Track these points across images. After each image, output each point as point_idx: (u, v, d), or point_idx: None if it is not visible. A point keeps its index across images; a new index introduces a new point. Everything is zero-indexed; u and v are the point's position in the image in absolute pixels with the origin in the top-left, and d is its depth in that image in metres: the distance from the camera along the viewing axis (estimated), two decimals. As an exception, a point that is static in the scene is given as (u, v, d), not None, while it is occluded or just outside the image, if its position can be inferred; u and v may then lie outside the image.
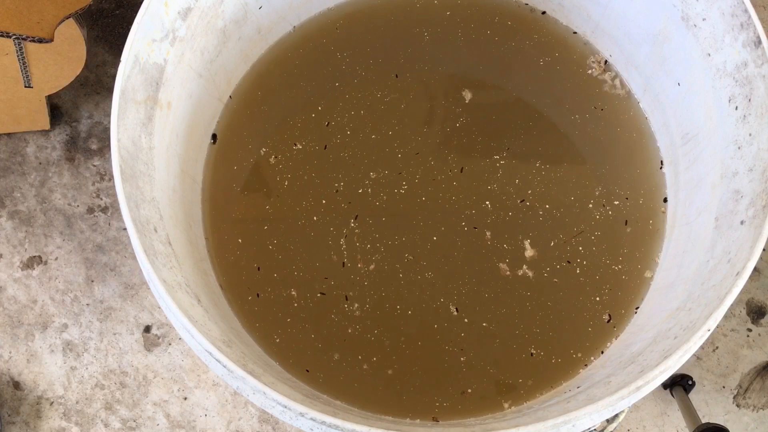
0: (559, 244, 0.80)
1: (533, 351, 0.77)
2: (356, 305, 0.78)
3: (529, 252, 0.80)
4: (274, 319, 0.78)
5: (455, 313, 0.78)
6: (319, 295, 0.79)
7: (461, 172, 0.83)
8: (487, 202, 0.81)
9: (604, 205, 0.81)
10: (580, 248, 0.80)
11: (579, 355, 0.76)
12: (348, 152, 0.83)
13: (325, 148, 0.84)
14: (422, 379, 0.76)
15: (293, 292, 0.79)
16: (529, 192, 0.82)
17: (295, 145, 0.84)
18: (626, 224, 0.81)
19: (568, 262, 0.79)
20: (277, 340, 0.77)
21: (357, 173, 0.83)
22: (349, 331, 0.77)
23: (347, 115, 0.85)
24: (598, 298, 0.78)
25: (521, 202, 0.81)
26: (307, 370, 0.76)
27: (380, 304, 0.78)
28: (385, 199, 0.82)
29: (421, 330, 0.78)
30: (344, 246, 0.80)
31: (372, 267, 0.79)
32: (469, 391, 0.75)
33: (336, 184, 0.82)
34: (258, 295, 0.79)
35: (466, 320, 0.78)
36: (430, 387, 0.76)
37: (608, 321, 0.78)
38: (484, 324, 0.77)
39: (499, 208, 0.81)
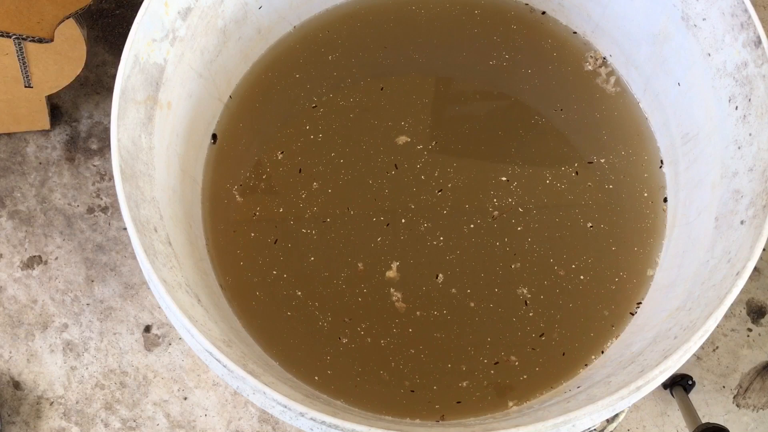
0: (560, 244, 0.80)
1: (533, 350, 0.77)
2: (356, 306, 0.78)
3: (530, 251, 0.80)
4: (274, 319, 0.78)
5: (455, 314, 0.78)
6: (318, 295, 0.79)
7: (460, 175, 0.83)
8: (490, 207, 0.81)
9: (604, 205, 0.81)
10: (580, 248, 0.80)
11: (579, 354, 0.76)
12: (348, 152, 0.83)
13: (325, 147, 0.84)
14: (423, 379, 0.76)
15: (293, 292, 0.79)
16: (529, 192, 0.82)
17: (295, 144, 0.84)
18: (626, 224, 0.81)
19: (568, 262, 0.79)
20: (278, 340, 0.77)
21: (357, 174, 0.83)
22: (350, 331, 0.77)
23: (347, 115, 0.85)
24: (597, 298, 0.78)
25: (521, 202, 0.81)
26: (308, 370, 0.76)
27: (381, 305, 0.78)
28: (390, 201, 0.82)
29: (421, 330, 0.78)
30: (344, 247, 0.80)
31: (371, 269, 0.79)
32: (470, 390, 0.75)
33: (338, 183, 0.82)
34: (258, 294, 0.79)
35: (465, 320, 0.78)
36: (431, 387, 0.76)
37: (608, 321, 0.78)
38: (484, 324, 0.77)
39: (502, 209, 0.81)
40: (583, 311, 0.78)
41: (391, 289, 0.78)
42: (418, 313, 0.78)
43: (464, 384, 0.75)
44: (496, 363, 0.76)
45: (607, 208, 0.81)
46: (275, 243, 0.80)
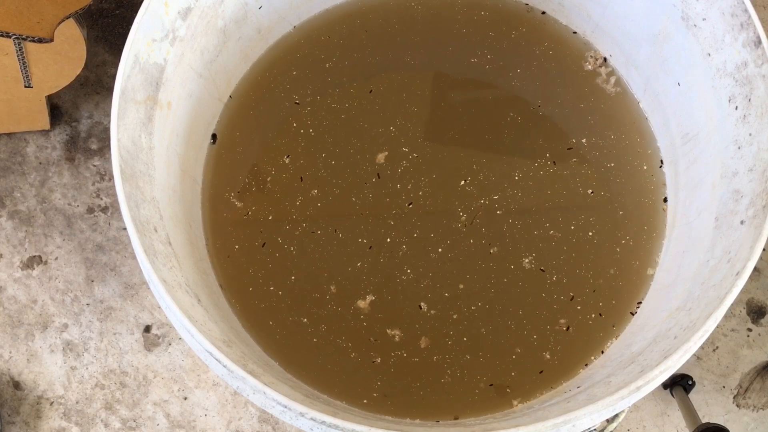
0: (558, 244, 0.80)
1: (533, 350, 0.77)
2: (358, 306, 0.78)
3: (528, 252, 0.80)
4: (275, 319, 0.78)
5: (455, 314, 0.78)
6: (318, 295, 0.79)
7: (458, 175, 0.83)
8: (486, 201, 0.81)
9: (603, 205, 0.81)
10: (580, 249, 0.80)
11: (579, 354, 0.76)
12: (348, 153, 0.83)
13: (325, 149, 0.84)
14: (423, 379, 0.76)
15: (293, 292, 0.79)
16: (528, 193, 0.82)
17: (295, 145, 0.84)
18: (626, 224, 0.81)
19: (567, 262, 0.79)
20: (278, 340, 0.77)
21: (356, 175, 0.83)
22: (351, 330, 0.77)
23: (349, 115, 0.85)
24: (597, 298, 0.78)
25: (522, 203, 0.81)
26: (308, 370, 0.76)
27: (381, 304, 0.78)
28: (386, 202, 0.82)
29: (421, 329, 0.78)
30: (343, 247, 0.80)
31: (371, 269, 0.79)
32: (468, 390, 0.75)
33: (338, 186, 0.82)
34: (258, 294, 0.79)
35: (465, 320, 0.78)
36: (432, 387, 0.76)
37: (607, 321, 0.78)
38: (484, 324, 0.78)
39: (500, 209, 0.81)
40: (582, 310, 0.78)
41: (387, 330, 0.78)
42: (410, 311, 0.78)
43: (464, 382, 0.75)
44: (497, 362, 0.76)
45: (606, 208, 0.81)
46: (275, 242, 0.80)
